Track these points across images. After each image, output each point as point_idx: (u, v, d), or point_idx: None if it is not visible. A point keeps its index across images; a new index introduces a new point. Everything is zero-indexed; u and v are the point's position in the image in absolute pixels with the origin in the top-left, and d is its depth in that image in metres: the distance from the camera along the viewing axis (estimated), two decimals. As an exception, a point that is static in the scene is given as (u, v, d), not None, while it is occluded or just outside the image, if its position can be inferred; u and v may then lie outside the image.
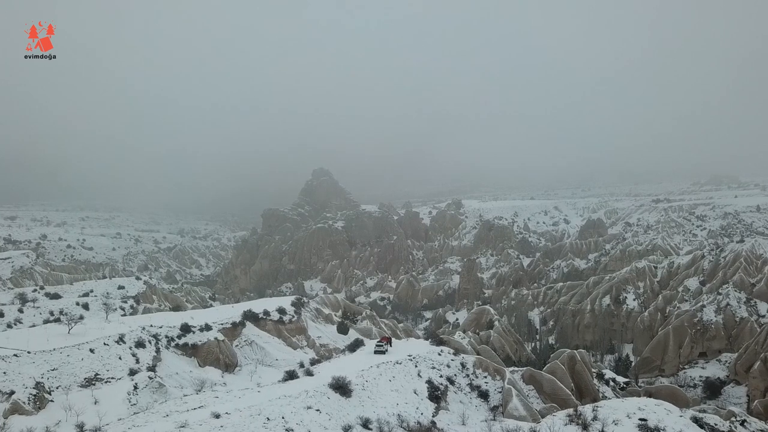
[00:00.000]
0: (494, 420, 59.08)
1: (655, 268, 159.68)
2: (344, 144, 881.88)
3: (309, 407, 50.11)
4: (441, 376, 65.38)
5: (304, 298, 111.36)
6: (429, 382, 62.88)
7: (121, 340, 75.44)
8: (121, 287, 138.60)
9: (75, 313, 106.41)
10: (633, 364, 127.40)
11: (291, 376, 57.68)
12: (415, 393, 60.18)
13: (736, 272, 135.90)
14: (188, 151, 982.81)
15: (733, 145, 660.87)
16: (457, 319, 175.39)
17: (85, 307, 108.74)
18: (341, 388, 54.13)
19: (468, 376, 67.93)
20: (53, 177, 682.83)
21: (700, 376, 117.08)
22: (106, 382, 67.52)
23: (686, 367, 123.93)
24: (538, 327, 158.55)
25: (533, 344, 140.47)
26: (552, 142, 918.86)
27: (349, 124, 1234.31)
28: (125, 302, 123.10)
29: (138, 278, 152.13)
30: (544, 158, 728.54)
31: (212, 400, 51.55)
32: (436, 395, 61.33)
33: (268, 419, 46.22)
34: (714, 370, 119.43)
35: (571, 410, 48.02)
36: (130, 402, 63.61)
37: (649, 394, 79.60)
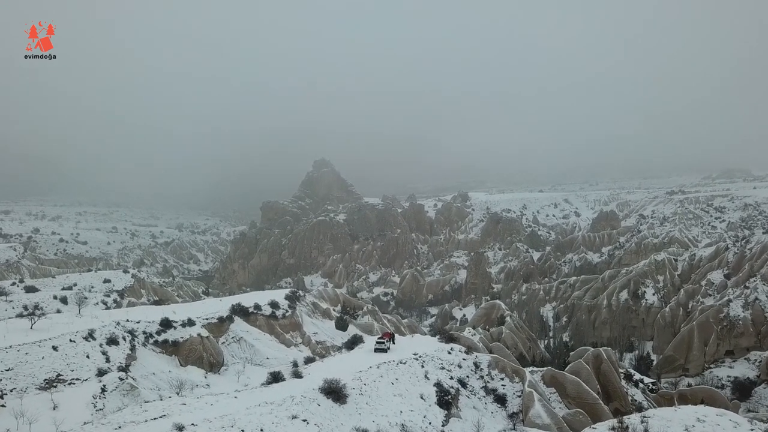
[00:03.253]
0: (514, 429, 50.65)
1: (676, 260, 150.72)
2: (346, 140, 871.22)
3: (294, 417, 41.59)
4: (451, 378, 56.76)
5: (300, 292, 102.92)
6: (438, 384, 54.27)
7: (90, 336, 67.10)
8: (107, 281, 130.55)
9: (52, 307, 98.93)
10: (654, 362, 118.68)
11: (275, 378, 49.01)
12: (421, 398, 51.62)
13: (764, 264, 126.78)
14: (190, 147, 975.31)
15: (740, 138, 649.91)
16: (464, 315, 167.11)
17: (63, 301, 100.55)
18: (334, 392, 45.59)
19: (482, 377, 59.20)
20: (53, 174, 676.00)
21: (728, 376, 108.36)
22: (69, 383, 59.32)
23: (712, 366, 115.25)
24: (551, 323, 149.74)
25: (546, 341, 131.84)
26: (555, 138, 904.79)
27: (350, 121, 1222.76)
28: (108, 296, 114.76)
29: (126, 271, 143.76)
30: (548, 154, 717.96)
31: (178, 407, 42.98)
32: (446, 400, 52.74)
33: (243, 432, 37.75)
34: (742, 369, 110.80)
35: (614, 422, 39.28)
36: (95, 407, 55.56)
37: (687, 398, 71.40)
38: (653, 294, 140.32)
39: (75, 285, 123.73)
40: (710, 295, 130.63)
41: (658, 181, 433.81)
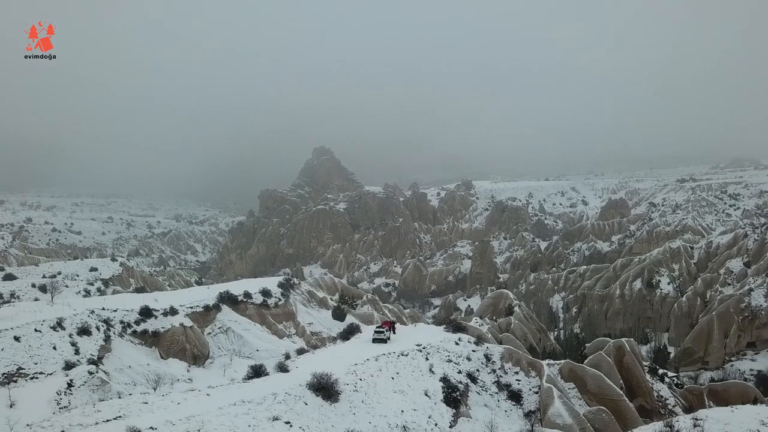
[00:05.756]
0: (532, 431, 43.93)
1: (691, 248, 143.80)
2: (348, 132, 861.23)
3: (275, 418, 35.04)
4: (460, 372, 50.20)
5: (294, 279, 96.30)
6: (444, 379, 47.73)
7: (59, 325, 60.79)
8: (93, 269, 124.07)
9: (29, 295, 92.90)
10: (672, 355, 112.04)
11: (257, 372, 42.36)
12: (426, 395, 45.05)
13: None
14: (190, 131, 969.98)
15: (747, 128, 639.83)
16: (469, 306, 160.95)
17: (42, 289, 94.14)
18: (324, 389, 39.10)
19: (494, 371, 52.66)
20: (51, 166, 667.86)
21: (751, 370, 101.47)
22: (31, 378, 53.44)
23: (733, 358, 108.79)
24: (561, 314, 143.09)
25: (556, 333, 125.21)
26: (555, 131, 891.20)
27: (352, 115, 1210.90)
28: (92, 284, 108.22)
29: (114, 260, 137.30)
30: (548, 146, 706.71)
31: (138, 407, 36.38)
32: (453, 397, 46.21)
33: (210, 439, 31.16)
34: (766, 362, 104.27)
35: (660, 425, 32.65)
36: (58, 404, 49.56)
37: (718, 393, 65.00)
38: (668, 283, 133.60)
39: (59, 273, 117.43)
40: (729, 284, 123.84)
41: (665, 171, 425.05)
